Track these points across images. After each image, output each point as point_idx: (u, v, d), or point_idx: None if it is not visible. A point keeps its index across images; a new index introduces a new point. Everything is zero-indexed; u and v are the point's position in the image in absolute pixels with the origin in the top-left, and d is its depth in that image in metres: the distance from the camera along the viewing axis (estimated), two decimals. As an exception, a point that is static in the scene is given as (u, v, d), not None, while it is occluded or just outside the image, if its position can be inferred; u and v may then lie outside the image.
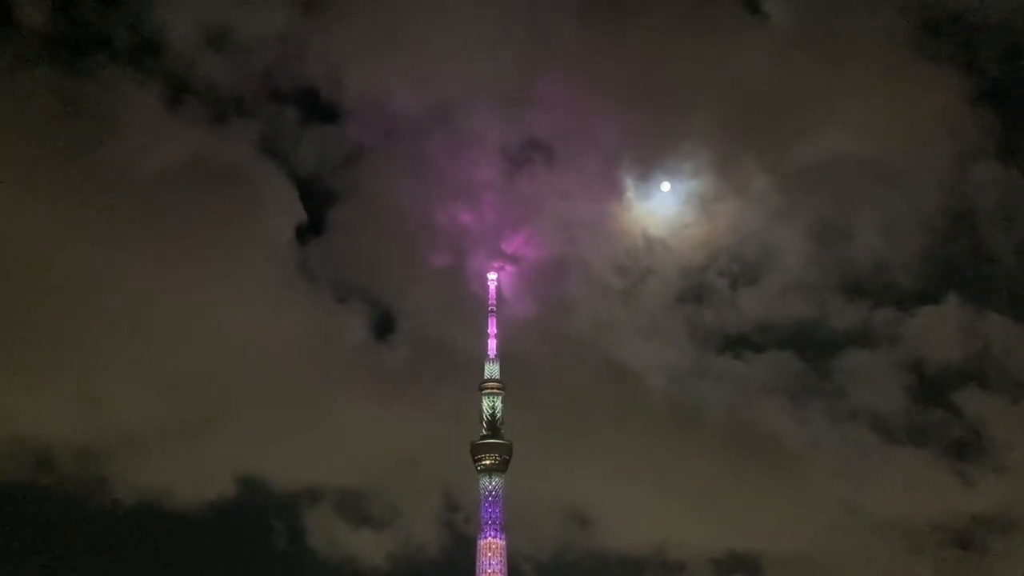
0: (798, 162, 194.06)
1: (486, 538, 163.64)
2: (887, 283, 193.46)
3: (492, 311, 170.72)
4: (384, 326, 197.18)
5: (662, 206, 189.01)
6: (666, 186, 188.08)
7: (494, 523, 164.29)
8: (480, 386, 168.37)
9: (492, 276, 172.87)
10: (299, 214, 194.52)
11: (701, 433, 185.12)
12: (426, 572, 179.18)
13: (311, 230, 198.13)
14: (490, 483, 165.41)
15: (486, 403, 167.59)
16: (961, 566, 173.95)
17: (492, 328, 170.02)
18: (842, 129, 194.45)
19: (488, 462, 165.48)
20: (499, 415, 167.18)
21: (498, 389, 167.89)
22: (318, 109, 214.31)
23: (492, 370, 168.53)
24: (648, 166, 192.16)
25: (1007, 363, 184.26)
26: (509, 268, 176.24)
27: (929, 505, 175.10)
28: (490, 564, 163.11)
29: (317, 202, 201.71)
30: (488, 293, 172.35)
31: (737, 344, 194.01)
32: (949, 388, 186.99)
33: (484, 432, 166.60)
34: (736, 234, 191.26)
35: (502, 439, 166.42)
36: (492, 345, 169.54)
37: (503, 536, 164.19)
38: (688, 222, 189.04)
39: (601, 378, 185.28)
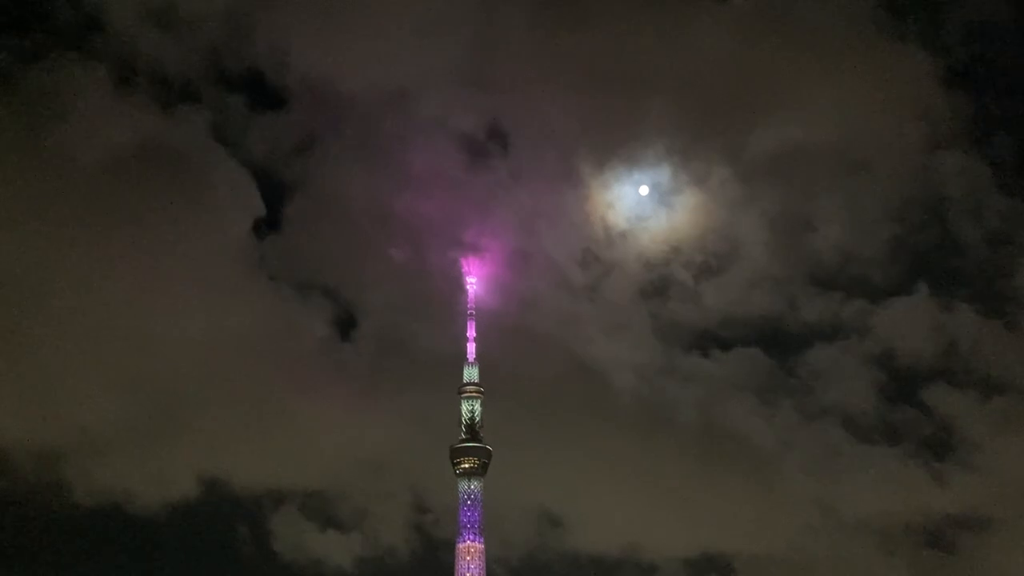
0: (761, 150, 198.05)
1: (465, 542, 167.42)
2: (855, 275, 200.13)
3: (471, 315, 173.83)
4: (347, 323, 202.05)
5: (623, 197, 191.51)
6: (644, 190, 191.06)
7: (473, 527, 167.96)
8: (459, 390, 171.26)
9: (471, 280, 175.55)
10: (257, 207, 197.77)
11: (672, 433, 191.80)
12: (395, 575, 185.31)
13: (268, 224, 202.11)
14: (469, 487, 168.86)
15: (465, 407, 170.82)
16: (934, 566, 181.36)
17: (471, 332, 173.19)
18: (806, 115, 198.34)
19: (467, 466, 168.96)
20: (478, 419, 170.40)
21: (477, 393, 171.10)
22: (267, 94, 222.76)
23: (471, 374, 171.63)
24: (608, 155, 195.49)
25: (976, 359, 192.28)
26: (475, 260, 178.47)
27: (902, 505, 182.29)
28: (469, 568, 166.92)
29: (273, 194, 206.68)
30: (467, 297, 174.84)
31: (703, 340, 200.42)
32: (919, 385, 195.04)
33: (463, 436, 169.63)
34: (699, 226, 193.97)
35: (481, 443, 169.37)
36: (471, 349, 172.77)
37: (481, 540, 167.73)
38: (649, 213, 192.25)
39: (571, 378, 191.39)
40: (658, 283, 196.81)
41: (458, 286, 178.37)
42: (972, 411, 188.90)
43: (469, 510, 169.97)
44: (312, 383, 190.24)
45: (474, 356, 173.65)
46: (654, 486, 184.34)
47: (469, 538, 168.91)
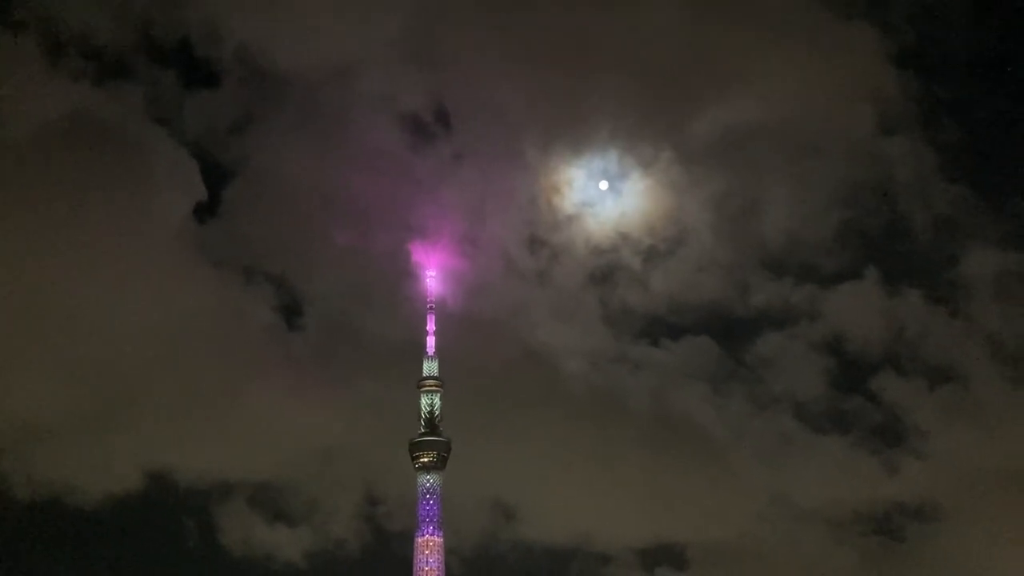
0: (709, 132, 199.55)
1: (424, 535, 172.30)
2: (804, 260, 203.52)
3: (431, 308, 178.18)
4: (293, 310, 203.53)
5: (570, 179, 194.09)
6: (604, 185, 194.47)
7: (432, 520, 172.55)
8: (418, 384, 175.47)
9: (431, 273, 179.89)
10: (198, 190, 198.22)
11: (624, 423, 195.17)
12: (347, 569, 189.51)
13: (208, 207, 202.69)
14: (428, 480, 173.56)
15: (424, 400, 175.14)
16: (883, 554, 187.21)
17: (431, 325, 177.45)
18: (754, 95, 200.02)
19: (426, 460, 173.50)
20: (437, 413, 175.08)
21: (437, 386, 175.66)
22: (200, 69, 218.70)
23: (431, 367, 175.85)
24: (555, 136, 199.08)
25: (924, 346, 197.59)
26: (426, 248, 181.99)
27: (852, 493, 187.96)
28: (427, 562, 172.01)
29: (213, 176, 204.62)
30: (420, 286, 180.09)
31: (653, 328, 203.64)
32: (868, 373, 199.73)
33: (423, 429, 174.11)
34: (646, 210, 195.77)
35: (441, 436, 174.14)
36: (431, 342, 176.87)
37: (441, 533, 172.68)
38: (596, 197, 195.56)
39: (522, 367, 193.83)
40: (606, 268, 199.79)
41: (406, 271, 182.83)
42: (919, 399, 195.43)
43: (428, 503, 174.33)
44: (258, 372, 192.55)
45: (434, 349, 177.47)
46: (607, 476, 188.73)
47: (428, 531, 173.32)
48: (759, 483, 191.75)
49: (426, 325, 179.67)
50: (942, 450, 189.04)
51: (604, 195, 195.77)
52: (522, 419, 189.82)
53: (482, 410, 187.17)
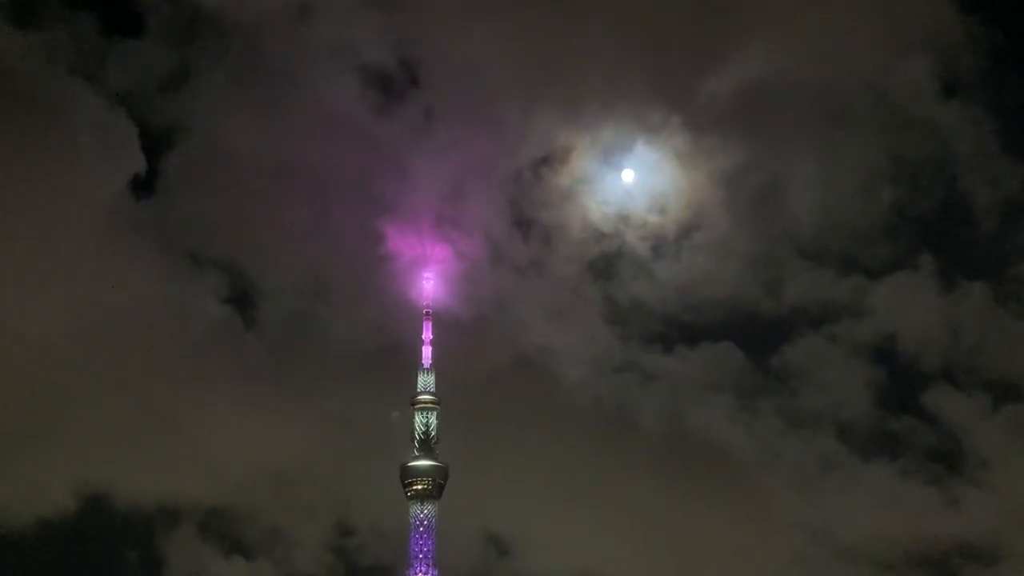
0: (726, 92, 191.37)
1: (417, 574, 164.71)
2: (844, 247, 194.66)
3: (428, 314, 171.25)
4: (248, 304, 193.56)
5: (562, 148, 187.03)
6: (628, 175, 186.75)
7: (426, 557, 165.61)
8: (412, 400, 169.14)
9: (428, 274, 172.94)
10: (135, 160, 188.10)
11: (634, 444, 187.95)
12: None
13: (147, 180, 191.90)
14: (422, 511, 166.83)
15: (419, 419, 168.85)
16: None
17: (427, 333, 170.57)
18: (781, 47, 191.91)
19: (420, 487, 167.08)
20: (434, 433, 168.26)
21: (433, 404, 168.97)
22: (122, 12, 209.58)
23: (426, 381, 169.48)
24: (542, 97, 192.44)
25: (987, 355, 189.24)
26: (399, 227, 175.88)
27: (903, 529, 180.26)
28: None
29: (149, 143, 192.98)
30: (422, 294, 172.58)
31: (666, 330, 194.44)
32: (921, 387, 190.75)
33: (416, 452, 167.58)
34: (654, 186, 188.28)
35: (437, 461, 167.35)
36: (427, 353, 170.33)
37: (435, 572, 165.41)
38: (593, 172, 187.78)
39: (512, 376, 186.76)
40: (608, 257, 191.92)
41: (376, 257, 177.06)
42: (982, 419, 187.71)
43: (421, 537, 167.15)
44: (209, 377, 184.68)
45: (430, 361, 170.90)
46: (613, 506, 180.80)
47: (421, 570, 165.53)
48: (794, 516, 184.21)
49: (411, 327, 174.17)
50: (1009, 480, 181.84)
51: (602, 169, 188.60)
52: (515, 439, 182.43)
53: (470, 429, 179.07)
